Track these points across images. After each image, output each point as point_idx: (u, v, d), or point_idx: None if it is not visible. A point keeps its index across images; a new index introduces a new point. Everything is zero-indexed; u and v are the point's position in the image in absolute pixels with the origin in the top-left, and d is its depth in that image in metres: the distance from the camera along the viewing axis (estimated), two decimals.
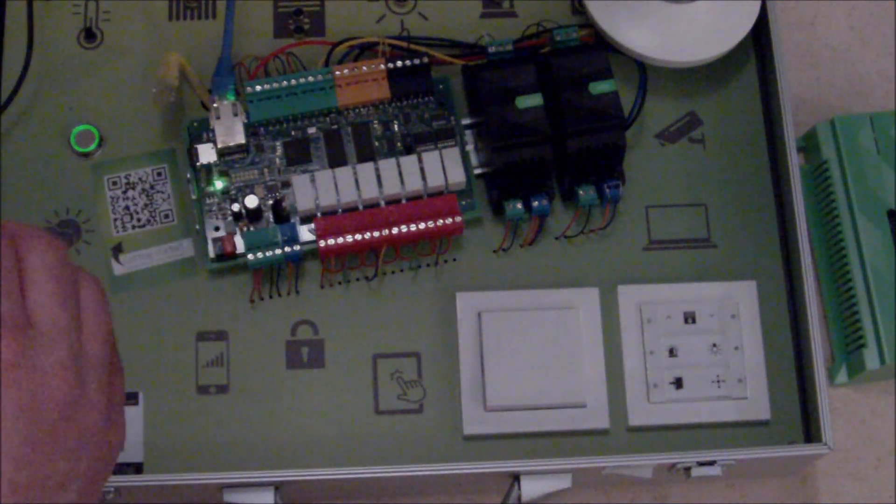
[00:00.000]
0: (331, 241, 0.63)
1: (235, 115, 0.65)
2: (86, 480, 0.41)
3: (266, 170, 0.65)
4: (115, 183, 0.67)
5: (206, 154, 0.65)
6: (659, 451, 0.63)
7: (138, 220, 0.66)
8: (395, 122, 0.66)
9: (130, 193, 0.66)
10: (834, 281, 0.71)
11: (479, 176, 0.66)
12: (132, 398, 0.63)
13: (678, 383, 0.64)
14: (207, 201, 0.65)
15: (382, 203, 0.64)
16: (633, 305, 0.65)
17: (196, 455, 0.63)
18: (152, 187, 0.67)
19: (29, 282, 0.40)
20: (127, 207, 0.66)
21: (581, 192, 0.65)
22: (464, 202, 0.65)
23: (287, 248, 0.63)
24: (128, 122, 0.68)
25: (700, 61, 0.68)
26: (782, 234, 0.68)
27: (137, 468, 0.62)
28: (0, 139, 0.67)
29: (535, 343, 0.64)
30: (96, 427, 0.41)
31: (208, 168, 0.65)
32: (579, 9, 0.70)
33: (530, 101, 0.64)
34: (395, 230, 0.63)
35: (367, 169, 0.64)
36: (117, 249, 0.66)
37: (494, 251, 0.66)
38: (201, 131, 0.66)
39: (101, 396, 0.41)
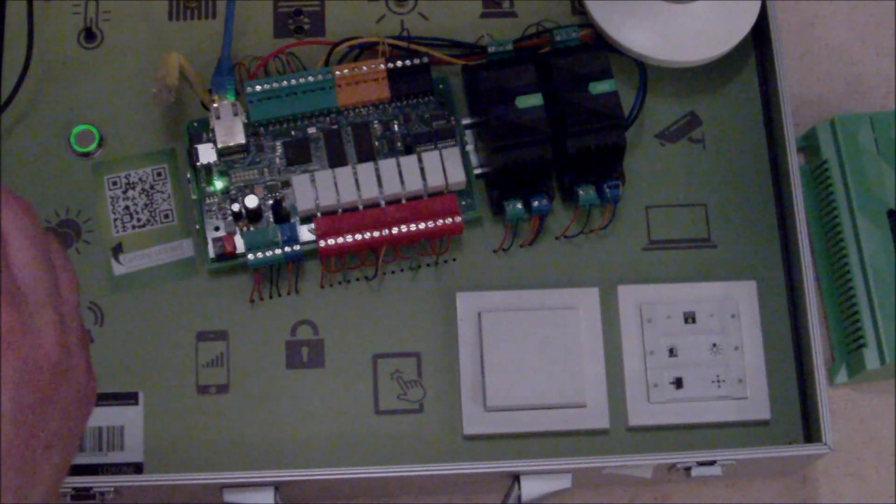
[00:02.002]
0: (331, 241, 0.63)
1: (235, 115, 0.65)
2: (69, 439, 0.41)
3: (266, 170, 0.65)
4: (115, 183, 0.67)
5: (206, 154, 0.65)
6: (659, 451, 0.63)
7: (138, 220, 0.66)
8: (395, 122, 0.66)
9: (130, 193, 0.66)
10: (834, 281, 0.71)
11: (479, 176, 0.66)
12: (132, 398, 0.63)
13: (678, 383, 0.64)
14: (207, 201, 0.65)
15: (382, 203, 0.64)
16: (633, 305, 0.65)
17: (196, 455, 0.63)
18: (152, 187, 0.67)
19: (11, 246, 0.40)
20: (127, 207, 0.66)
21: (581, 192, 0.65)
22: (464, 202, 0.65)
23: (287, 248, 0.63)
24: (128, 122, 0.68)
25: (700, 61, 0.68)
26: (782, 234, 0.68)
27: (137, 468, 0.62)
28: (0, 139, 0.67)
29: (535, 343, 0.64)
30: (82, 384, 0.42)
31: (208, 168, 0.65)
32: (579, 9, 0.70)
33: (530, 101, 0.64)
34: (395, 230, 0.63)
35: (367, 169, 0.64)
36: (117, 249, 0.66)
37: (494, 251, 0.66)
38: (201, 131, 0.66)
39: (83, 353, 0.42)
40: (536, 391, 0.63)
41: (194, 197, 0.65)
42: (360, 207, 0.64)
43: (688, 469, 0.62)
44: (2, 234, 0.40)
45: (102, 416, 0.63)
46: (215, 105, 0.65)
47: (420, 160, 0.65)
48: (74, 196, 0.66)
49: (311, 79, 0.65)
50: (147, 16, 0.70)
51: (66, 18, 0.69)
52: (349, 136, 0.66)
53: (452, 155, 0.65)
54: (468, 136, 0.66)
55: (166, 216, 0.66)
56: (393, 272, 0.66)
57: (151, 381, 0.64)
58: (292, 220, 0.65)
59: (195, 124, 0.66)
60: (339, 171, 0.64)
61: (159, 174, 0.67)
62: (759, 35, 0.70)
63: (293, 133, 0.66)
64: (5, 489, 0.38)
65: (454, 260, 0.66)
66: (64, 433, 0.41)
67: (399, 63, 0.66)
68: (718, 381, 0.64)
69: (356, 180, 0.64)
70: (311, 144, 0.66)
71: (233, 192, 0.65)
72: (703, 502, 0.68)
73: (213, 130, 0.65)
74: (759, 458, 0.62)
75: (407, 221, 0.63)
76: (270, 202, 0.65)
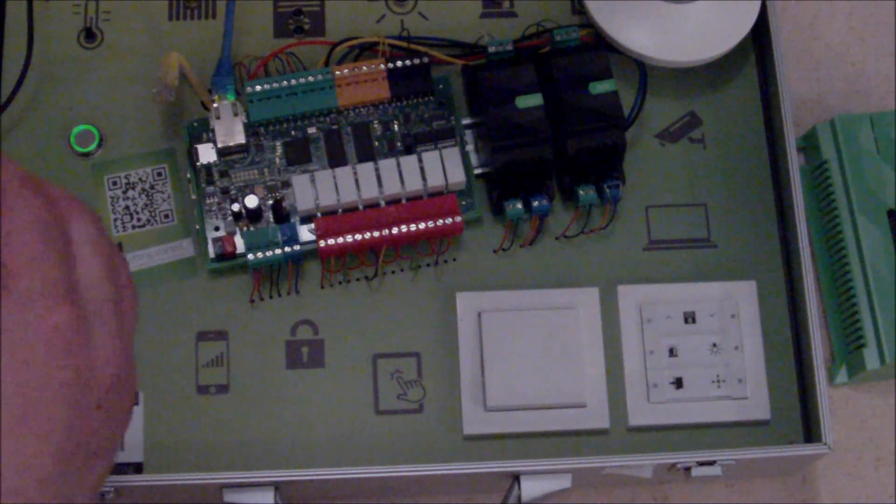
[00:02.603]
0: (331, 241, 0.63)
1: (235, 115, 0.65)
2: (113, 448, 0.41)
3: (266, 170, 0.65)
4: (115, 183, 0.67)
5: (206, 154, 0.65)
6: (659, 451, 0.63)
7: (138, 220, 0.66)
8: (395, 122, 0.66)
9: (130, 193, 0.66)
10: (834, 281, 0.71)
11: (479, 176, 0.66)
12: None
13: (678, 383, 0.64)
14: (207, 201, 0.65)
15: (382, 203, 0.64)
16: (633, 305, 0.65)
17: (196, 455, 0.63)
18: (152, 187, 0.67)
19: (77, 255, 0.39)
20: (127, 207, 0.66)
21: (581, 192, 0.65)
22: (464, 202, 0.65)
23: (287, 248, 0.63)
24: (128, 122, 0.68)
25: (700, 61, 0.68)
26: (782, 234, 0.68)
27: (137, 468, 0.62)
28: (0, 139, 0.67)
29: (535, 343, 0.64)
30: (131, 400, 0.41)
31: (208, 168, 0.65)
32: (579, 9, 0.70)
33: (530, 101, 0.64)
34: (395, 230, 0.63)
35: (367, 169, 0.64)
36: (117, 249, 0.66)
37: (494, 251, 0.66)
38: (201, 131, 0.66)
39: (133, 371, 0.41)
40: (536, 391, 0.63)
41: (194, 197, 0.65)
42: (360, 207, 0.64)
43: (688, 469, 0.62)
44: (72, 243, 0.39)
45: None
46: (215, 105, 0.65)
47: (420, 160, 0.65)
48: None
49: (311, 79, 0.65)
50: (147, 16, 0.70)
51: (66, 18, 0.69)
52: (349, 136, 0.66)
53: (452, 155, 0.65)
54: (468, 136, 0.66)
55: (166, 216, 0.66)
56: (393, 272, 0.66)
57: (151, 381, 0.64)
58: (292, 220, 0.65)
59: (195, 124, 0.66)
60: (339, 171, 0.64)
61: (159, 174, 0.67)
62: (759, 35, 0.70)
63: (293, 133, 0.66)
64: (52, 495, 0.37)
65: (454, 260, 0.66)
66: (110, 444, 0.40)
67: (399, 63, 0.66)
68: (718, 381, 0.64)
69: (356, 180, 0.64)
70: (311, 144, 0.66)
71: (233, 192, 0.65)
72: (703, 502, 0.68)
73: (213, 130, 0.65)
74: (759, 458, 0.62)
75: (407, 221, 0.63)
76: (270, 202, 0.65)
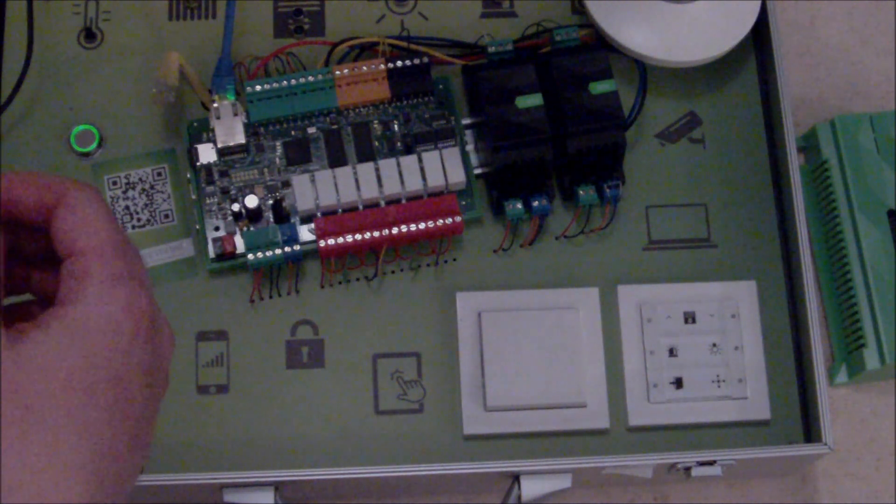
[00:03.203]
0: (331, 241, 0.63)
1: (235, 115, 0.65)
2: (150, 442, 0.41)
3: (266, 170, 0.65)
4: (115, 183, 0.67)
5: (206, 154, 0.65)
6: (659, 451, 0.63)
7: (138, 220, 0.66)
8: (395, 122, 0.66)
9: (130, 193, 0.66)
10: (834, 281, 0.71)
11: (479, 176, 0.66)
12: None
13: (678, 383, 0.64)
14: (207, 201, 0.65)
15: (382, 203, 0.64)
16: (633, 305, 0.65)
17: (196, 455, 0.63)
18: (152, 187, 0.67)
19: (100, 221, 0.40)
20: (127, 207, 0.66)
21: (581, 192, 0.65)
22: (464, 202, 0.65)
23: (287, 248, 0.63)
24: (128, 122, 0.68)
25: (700, 61, 0.68)
26: (782, 234, 0.68)
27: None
28: (0, 139, 0.67)
29: (535, 343, 0.64)
30: (168, 355, 0.41)
31: (208, 168, 0.65)
32: (579, 9, 0.70)
33: (530, 101, 0.64)
34: (395, 230, 0.63)
35: (367, 169, 0.64)
36: None
37: (494, 251, 0.66)
38: (201, 131, 0.66)
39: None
40: (536, 391, 0.63)
41: (194, 197, 0.65)
42: (360, 207, 0.64)
43: (688, 469, 0.62)
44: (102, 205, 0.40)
45: None
46: (215, 105, 0.65)
47: (420, 160, 0.65)
48: None
49: (311, 79, 0.65)
50: (147, 16, 0.70)
51: (66, 18, 0.69)
52: (349, 136, 0.66)
53: (452, 155, 0.65)
54: (468, 136, 0.66)
55: (166, 216, 0.66)
56: (393, 272, 0.66)
57: None
58: (292, 220, 0.65)
59: (195, 124, 0.66)
60: (339, 171, 0.64)
61: (159, 174, 0.67)
62: (759, 35, 0.70)
63: (293, 133, 0.66)
64: (125, 481, 0.38)
65: (454, 260, 0.66)
66: (150, 434, 0.40)
67: (399, 63, 0.66)
68: (718, 381, 0.64)
69: (356, 180, 0.64)
70: (311, 144, 0.66)
71: (233, 192, 0.65)
72: (703, 502, 0.68)
73: (213, 130, 0.65)
74: (759, 458, 0.62)
75: (407, 221, 0.63)
76: (270, 202, 0.65)
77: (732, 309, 0.65)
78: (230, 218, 0.64)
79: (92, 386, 0.36)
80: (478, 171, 0.66)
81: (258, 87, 0.65)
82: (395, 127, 0.66)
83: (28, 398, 0.35)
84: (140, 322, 0.39)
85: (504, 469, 0.61)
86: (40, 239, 0.41)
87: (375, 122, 0.66)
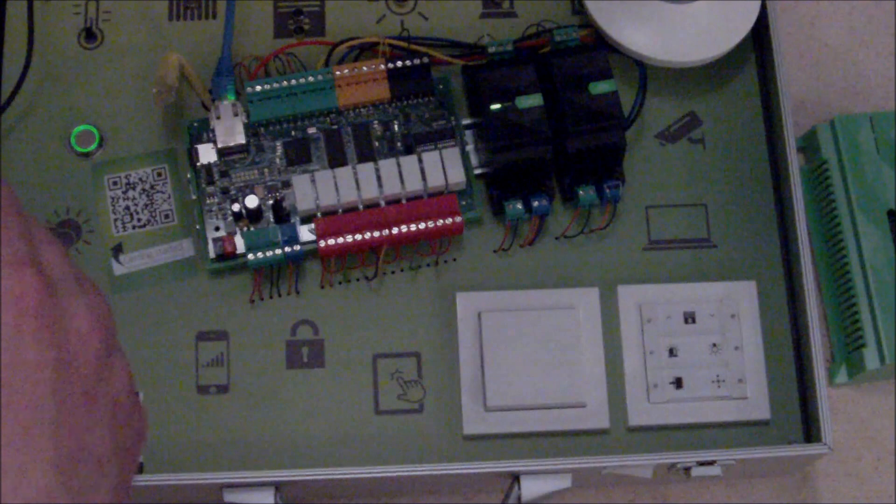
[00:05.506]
0: (331, 241, 0.63)
1: (235, 115, 0.65)
2: (120, 463, 0.34)
3: (266, 170, 0.65)
4: (115, 183, 0.67)
5: (207, 154, 0.65)
6: (659, 451, 0.63)
7: (138, 220, 0.66)
8: (395, 122, 0.66)
9: (130, 193, 0.66)
10: (834, 281, 0.71)
11: (479, 176, 0.66)
12: None
13: (678, 383, 0.64)
14: (207, 201, 0.65)
15: (382, 203, 0.64)
16: (633, 305, 0.65)
17: (196, 455, 0.63)
18: (152, 187, 0.67)
19: (36, 239, 0.34)
20: (127, 207, 0.66)
21: (581, 192, 0.65)
22: (464, 202, 0.65)
23: (287, 248, 0.63)
24: (128, 122, 0.68)
25: (700, 61, 0.68)
26: (782, 234, 0.68)
27: (138, 468, 0.62)
28: (0, 139, 0.67)
29: (535, 343, 0.64)
30: (126, 397, 0.35)
31: (208, 168, 0.65)
32: (579, 9, 0.70)
33: (530, 101, 0.64)
34: (395, 230, 0.63)
35: (367, 169, 0.64)
36: (117, 249, 0.66)
37: (494, 251, 0.66)
38: (201, 131, 0.66)
39: (123, 363, 0.35)
40: (536, 391, 0.63)
41: (194, 197, 0.65)
42: (360, 207, 0.64)
43: (687, 469, 0.62)
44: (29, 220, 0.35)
45: None
46: (215, 105, 0.65)
47: (420, 160, 0.65)
48: (74, 196, 0.66)
49: (311, 79, 0.65)
50: (147, 16, 0.70)
51: (66, 18, 0.69)
52: (349, 136, 0.66)
53: (452, 155, 0.65)
54: (468, 136, 0.66)
55: (166, 216, 0.66)
56: (393, 272, 0.66)
57: (151, 381, 0.64)
58: (292, 220, 0.65)
59: (195, 124, 0.66)
60: (339, 171, 0.64)
61: (159, 174, 0.67)
62: (759, 35, 0.70)
63: (293, 133, 0.66)
64: None
65: (454, 260, 0.66)
66: (115, 450, 0.34)
67: (399, 63, 0.66)
68: (718, 381, 0.64)
69: (356, 180, 0.64)
70: (311, 144, 0.66)
71: (233, 192, 0.65)
72: (703, 502, 0.68)
73: (213, 130, 0.65)
74: (758, 458, 0.62)
75: (407, 221, 0.63)
76: (270, 202, 0.65)
77: (732, 309, 0.65)
78: (230, 218, 0.64)
79: None
80: (478, 171, 0.66)
81: (258, 88, 0.65)
82: (395, 127, 0.66)
83: None
84: (22, 313, 0.32)
85: (504, 469, 0.61)
86: None
87: (375, 122, 0.66)
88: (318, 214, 0.64)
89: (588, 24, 0.68)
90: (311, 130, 0.66)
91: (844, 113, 0.72)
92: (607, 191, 0.65)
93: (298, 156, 0.65)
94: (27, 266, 0.32)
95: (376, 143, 0.66)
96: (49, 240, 0.35)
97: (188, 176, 0.65)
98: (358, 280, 0.66)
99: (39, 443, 0.31)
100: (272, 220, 0.64)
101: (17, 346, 0.31)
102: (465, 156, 0.66)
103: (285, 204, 0.65)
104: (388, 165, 0.64)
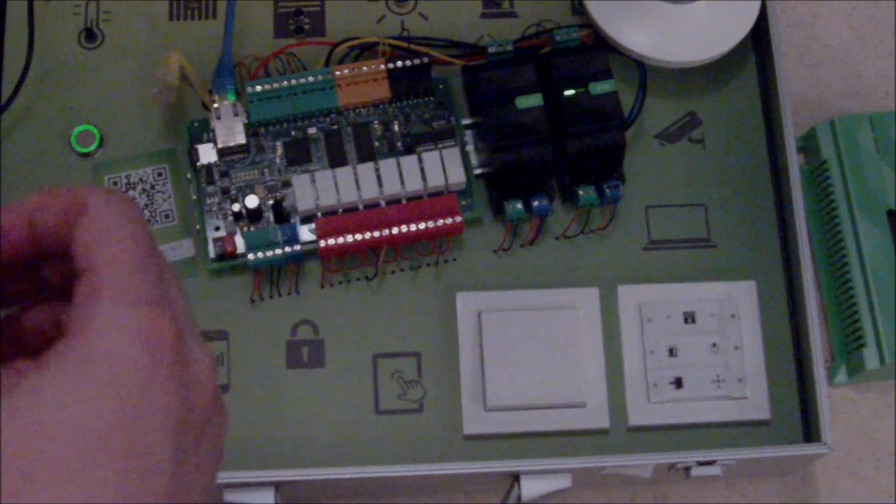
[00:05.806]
0: (331, 241, 0.63)
1: (236, 115, 0.65)
2: (213, 471, 0.34)
3: (266, 170, 0.65)
4: (115, 183, 0.67)
5: (207, 154, 0.65)
6: (659, 450, 0.63)
7: None
8: (395, 122, 0.66)
9: (131, 193, 0.66)
10: (834, 281, 0.71)
11: (479, 176, 0.66)
12: None
13: (678, 383, 0.64)
14: (208, 201, 0.65)
15: (382, 203, 0.64)
16: (633, 305, 0.65)
17: None
18: (152, 187, 0.67)
19: (165, 277, 0.34)
20: None
21: (581, 192, 0.65)
22: (464, 202, 0.65)
23: (287, 248, 0.63)
24: (128, 122, 0.68)
25: (700, 61, 0.68)
26: (782, 234, 0.68)
27: None
28: (0, 139, 0.67)
29: (535, 343, 0.64)
30: (223, 439, 0.35)
31: (208, 168, 0.65)
32: (579, 9, 0.70)
33: (530, 101, 0.64)
34: (395, 230, 0.63)
35: (367, 169, 0.64)
36: None
37: (494, 251, 0.66)
38: (201, 131, 0.66)
39: (224, 408, 0.35)
40: (536, 391, 0.63)
41: (194, 197, 0.65)
42: (361, 207, 0.64)
43: (687, 469, 0.62)
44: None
45: None
46: (216, 105, 0.65)
47: (420, 160, 0.65)
48: None
49: (311, 79, 0.65)
50: (147, 16, 0.70)
51: (66, 18, 0.69)
52: (349, 136, 0.66)
53: (452, 155, 0.65)
54: (468, 136, 0.66)
55: (166, 216, 0.66)
56: (393, 272, 0.66)
57: None
58: (292, 220, 0.65)
59: (195, 124, 0.66)
60: (340, 171, 0.64)
61: (159, 174, 0.67)
62: (759, 35, 0.70)
63: (293, 133, 0.66)
64: None
65: (454, 260, 0.66)
66: (205, 491, 0.33)
67: (399, 63, 0.66)
68: (718, 381, 0.64)
69: (356, 180, 0.64)
70: (311, 144, 0.66)
71: (233, 192, 0.65)
72: (703, 502, 0.68)
73: (213, 130, 0.65)
74: (758, 458, 0.62)
75: (407, 221, 0.63)
76: (271, 202, 0.65)
77: (732, 309, 0.65)
78: (230, 218, 0.64)
79: (102, 437, 0.29)
80: (478, 171, 0.66)
81: (258, 88, 0.65)
82: (396, 127, 0.66)
83: (25, 464, 0.29)
84: (159, 355, 0.31)
85: (504, 469, 0.61)
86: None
87: (375, 122, 0.66)
88: (318, 214, 0.64)
89: (588, 24, 0.68)
90: (312, 130, 0.66)
91: (844, 113, 0.72)
92: (607, 191, 0.65)
93: (298, 156, 0.66)
94: (163, 308, 0.32)
95: (376, 143, 0.66)
96: (176, 279, 0.34)
97: (188, 176, 0.65)
98: (358, 280, 0.66)
99: (153, 486, 0.31)
100: (272, 220, 0.64)
101: (149, 390, 0.31)
102: (465, 156, 0.66)
103: (285, 204, 0.65)
104: (388, 165, 0.64)
